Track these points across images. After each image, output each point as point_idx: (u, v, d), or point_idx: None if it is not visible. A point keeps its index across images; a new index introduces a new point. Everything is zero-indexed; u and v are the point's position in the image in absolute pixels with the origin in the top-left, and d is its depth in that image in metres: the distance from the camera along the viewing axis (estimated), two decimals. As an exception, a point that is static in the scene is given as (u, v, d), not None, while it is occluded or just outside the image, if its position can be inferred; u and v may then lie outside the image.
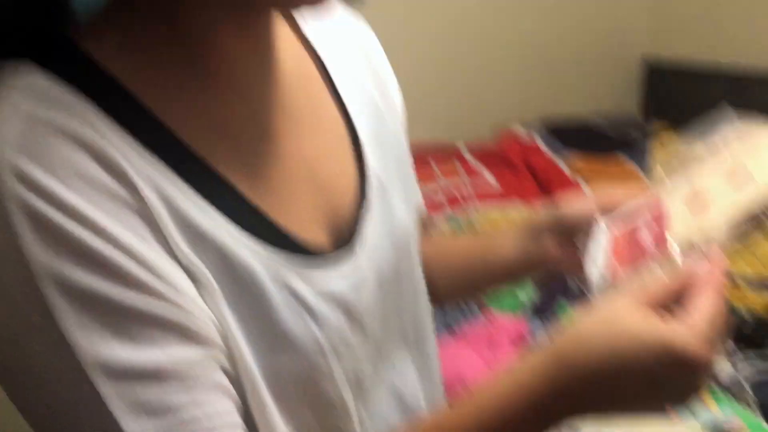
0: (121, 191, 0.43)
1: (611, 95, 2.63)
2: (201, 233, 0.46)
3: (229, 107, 0.51)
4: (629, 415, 0.49)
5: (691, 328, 0.45)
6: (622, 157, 2.28)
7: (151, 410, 0.41)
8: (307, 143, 0.56)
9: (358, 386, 0.55)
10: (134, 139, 0.44)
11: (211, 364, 0.45)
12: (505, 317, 1.65)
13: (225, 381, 0.46)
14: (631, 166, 2.24)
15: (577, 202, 0.65)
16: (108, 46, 0.46)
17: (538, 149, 2.21)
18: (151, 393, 0.41)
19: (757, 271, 1.68)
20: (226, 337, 0.46)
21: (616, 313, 0.47)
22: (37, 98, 0.42)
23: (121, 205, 0.42)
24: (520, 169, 2.11)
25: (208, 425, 0.43)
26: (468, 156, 2.15)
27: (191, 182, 0.46)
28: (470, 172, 2.07)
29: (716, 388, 1.24)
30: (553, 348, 0.49)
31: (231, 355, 0.46)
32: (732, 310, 1.46)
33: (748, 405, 1.23)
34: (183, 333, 0.43)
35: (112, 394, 0.41)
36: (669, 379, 0.46)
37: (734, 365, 1.31)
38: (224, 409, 0.45)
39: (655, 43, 2.61)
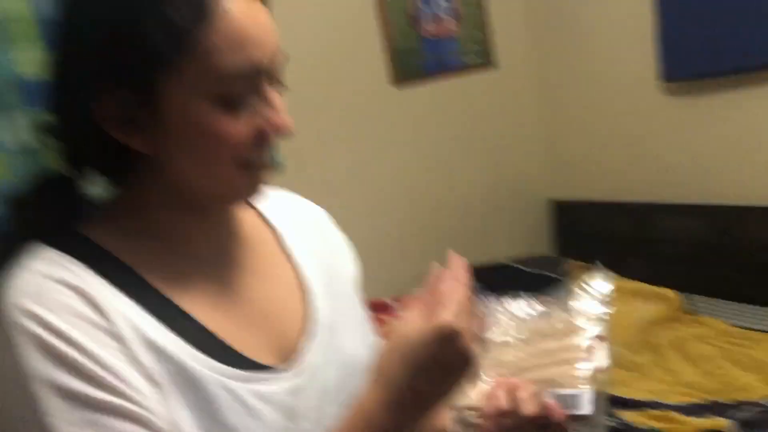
0: (102, 322, 0.60)
1: (522, 238, 2.79)
2: (162, 351, 0.62)
3: (193, 266, 0.70)
4: (449, 394, 0.64)
5: (437, 313, 0.62)
6: (542, 295, 2.38)
7: None
8: (260, 291, 0.74)
9: None
10: (116, 288, 0.63)
11: None
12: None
13: None
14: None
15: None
16: (101, 230, 0.67)
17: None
18: None
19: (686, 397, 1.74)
20: (180, 430, 0.61)
21: (399, 335, 0.64)
22: (47, 263, 0.62)
23: (100, 332, 0.60)
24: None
25: None
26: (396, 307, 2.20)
27: (157, 316, 0.64)
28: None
29: None
30: (370, 375, 0.64)
31: None
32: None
33: None
34: (144, 425, 0.58)
35: None
36: (447, 353, 0.61)
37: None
38: None
39: (557, 184, 2.83)
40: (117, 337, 0.61)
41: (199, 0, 0.61)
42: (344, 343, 0.76)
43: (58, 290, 0.60)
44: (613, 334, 2.25)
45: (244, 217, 0.77)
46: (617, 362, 1.96)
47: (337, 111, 2.31)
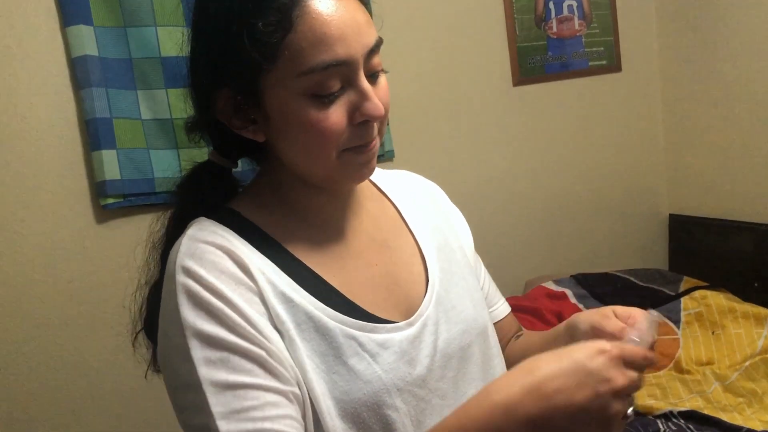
0: (244, 277, 0.73)
1: (638, 250, 2.68)
2: (292, 302, 0.74)
3: (324, 235, 0.82)
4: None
5: (596, 349, 0.64)
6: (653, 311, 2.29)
7: (235, 412, 0.66)
8: (387, 258, 0.85)
9: (418, 419, 0.77)
10: (258, 251, 0.76)
11: (282, 389, 0.69)
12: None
13: (294, 412, 0.69)
14: (663, 318, 2.25)
15: (607, 320, 0.81)
16: (247, 206, 0.82)
17: (568, 301, 2.24)
18: (236, 398, 0.67)
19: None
20: (304, 374, 0.72)
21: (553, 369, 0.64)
22: (204, 231, 0.76)
23: (242, 286, 0.72)
24: (550, 321, 2.13)
25: (268, 417, 0.67)
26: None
27: (290, 274, 0.76)
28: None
29: None
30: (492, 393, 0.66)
31: (304, 387, 0.71)
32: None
33: None
34: (268, 370, 0.69)
35: (212, 399, 0.67)
36: (589, 416, 0.61)
37: None
38: (282, 416, 0.67)
39: (678, 199, 2.70)
40: (256, 290, 0.73)
41: (283, 11, 0.70)
42: (454, 303, 0.85)
43: (211, 251, 0.73)
44: (728, 358, 2.14)
45: (368, 193, 0.90)
46: (732, 389, 1.87)
47: (458, 107, 2.31)
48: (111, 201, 1.78)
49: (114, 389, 1.84)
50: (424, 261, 0.87)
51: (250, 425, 0.66)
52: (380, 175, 0.95)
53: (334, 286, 0.78)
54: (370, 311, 0.78)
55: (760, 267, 2.33)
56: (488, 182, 2.38)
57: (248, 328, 0.70)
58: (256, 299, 0.72)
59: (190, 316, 0.69)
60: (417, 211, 0.92)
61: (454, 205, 1.01)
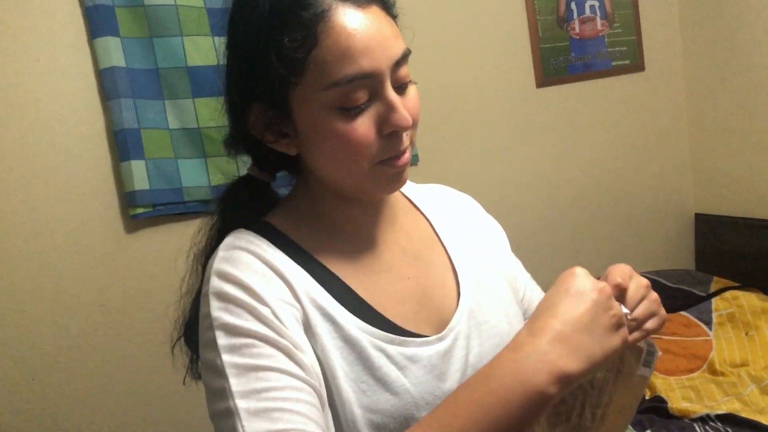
0: (276, 279, 0.74)
1: (666, 251, 2.65)
2: (324, 310, 0.75)
3: (356, 248, 0.83)
4: (597, 348, 0.64)
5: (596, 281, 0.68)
6: (684, 312, 2.27)
7: (255, 392, 0.66)
8: (419, 271, 0.84)
9: None
10: (290, 258, 0.77)
11: (303, 376, 0.69)
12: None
13: (315, 401, 0.69)
14: (694, 319, 2.22)
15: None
16: (282, 218, 0.83)
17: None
18: (256, 379, 0.67)
19: None
20: (335, 380, 0.72)
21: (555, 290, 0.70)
22: (240, 239, 0.78)
23: (273, 285, 0.73)
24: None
25: (288, 398, 0.66)
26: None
27: (322, 283, 0.77)
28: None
29: None
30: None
31: (334, 390, 0.72)
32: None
33: None
34: (289, 355, 0.69)
35: (233, 380, 0.67)
36: (599, 313, 0.65)
37: None
38: (303, 400, 0.67)
39: (704, 198, 2.67)
40: (290, 295, 0.74)
41: (308, 27, 0.71)
42: (487, 318, 0.84)
43: (246, 256, 0.75)
44: (762, 358, 2.11)
45: (401, 206, 0.90)
46: (760, 388, 1.84)
47: (482, 111, 2.30)
48: (140, 211, 1.78)
49: (148, 397, 1.84)
50: (456, 276, 0.87)
51: (270, 404, 0.66)
52: (413, 189, 0.95)
53: (365, 298, 0.78)
54: (399, 324, 0.78)
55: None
56: (513, 186, 2.37)
57: (276, 322, 0.70)
58: (289, 303, 0.73)
59: (219, 311, 0.71)
60: (450, 225, 0.92)
61: (489, 216, 1.00)
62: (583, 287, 0.67)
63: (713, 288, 2.33)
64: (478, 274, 0.88)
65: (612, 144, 2.53)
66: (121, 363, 1.82)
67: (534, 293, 1.00)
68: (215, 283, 0.73)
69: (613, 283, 0.70)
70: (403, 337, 0.77)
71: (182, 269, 0.87)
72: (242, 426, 0.65)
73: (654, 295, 0.73)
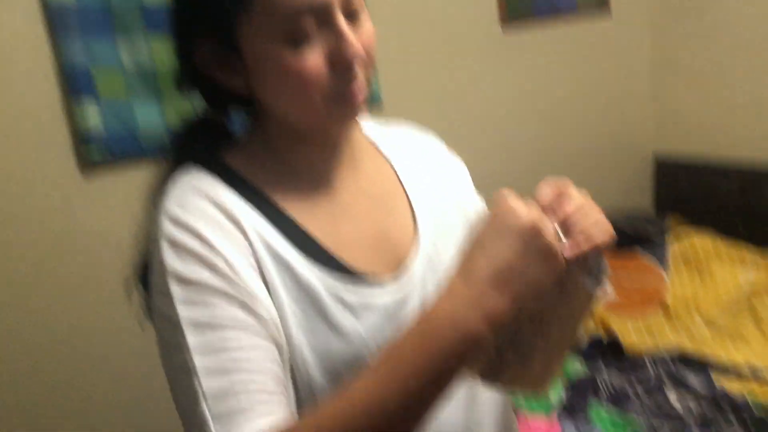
0: (229, 225, 0.72)
1: (624, 192, 2.71)
2: (278, 254, 0.73)
3: (313, 189, 0.80)
4: (529, 282, 0.63)
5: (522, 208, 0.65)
6: (639, 252, 2.33)
7: (214, 350, 0.66)
8: (378, 215, 0.83)
9: None
10: (245, 201, 0.75)
11: (261, 331, 0.68)
12: (537, 419, 1.65)
13: (270, 346, 0.68)
14: (649, 259, 2.29)
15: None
16: (237, 158, 0.80)
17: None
18: (214, 336, 0.66)
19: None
20: (286, 327, 0.71)
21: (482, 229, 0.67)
22: (193, 179, 0.75)
23: (226, 232, 0.71)
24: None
25: (246, 358, 0.66)
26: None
27: (277, 226, 0.75)
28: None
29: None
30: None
31: (285, 336, 0.71)
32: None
33: None
34: (245, 308, 0.68)
35: (191, 338, 0.66)
36: (530, 247, 0.63)
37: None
38: (261, 358, 0.67)
39: (664, 140, 2.71)
40: (244, 242, 0.72)
41: None
42: (445, 263, 0.82)
43: (198, 201, 0.72)
44: (713, 298, 2.20)
45: (366, 151, 0.88)
46: (716, 327, 1.92)
47: (445, 51, 2.27)
48: (98, 158, 1.73)
49: (110, 343, 1.84)
50: (416, 222, 0.86)
51: (228, 364, 0.66)
52: (378, 133, 0.93)
53: (321, 240, 0.77)
54: (355, 266, 0.77)
55: (746, 209, 2.37)
56: (475, 127, 2.36)
57: (230, 273, 0.69)
58: (245, 251, 0.71)
59: (172, 259, 0.69)
60: (413, 170, 0.90)
61: (451, 155, 0.98)
62: (508, 222, 0.64)
63: (668, 226, 2.40)
64: (438, 221, 0.87)
65: (575, 88, 2.53)
66: (80, 311, 1.80)
67: None
68: (167, 228, 0.70)
69: (543, 202, 0.69)
70: (358, 284, 0.76)
71: (140, 214, 0.85)
72: (200, 384, 0.65)
73: (593, 207, 0.71)
